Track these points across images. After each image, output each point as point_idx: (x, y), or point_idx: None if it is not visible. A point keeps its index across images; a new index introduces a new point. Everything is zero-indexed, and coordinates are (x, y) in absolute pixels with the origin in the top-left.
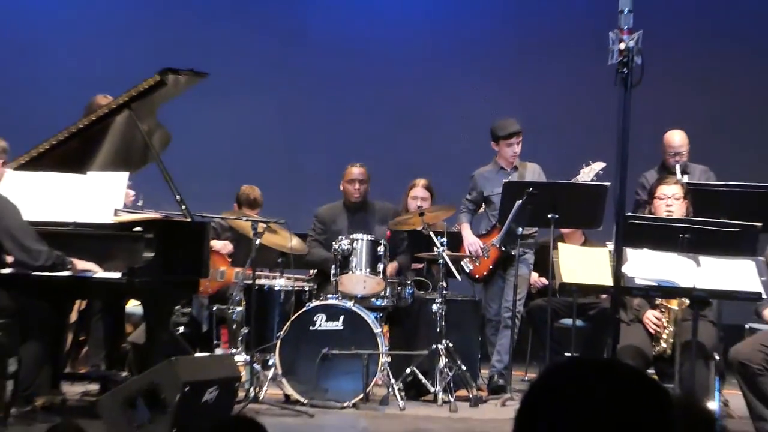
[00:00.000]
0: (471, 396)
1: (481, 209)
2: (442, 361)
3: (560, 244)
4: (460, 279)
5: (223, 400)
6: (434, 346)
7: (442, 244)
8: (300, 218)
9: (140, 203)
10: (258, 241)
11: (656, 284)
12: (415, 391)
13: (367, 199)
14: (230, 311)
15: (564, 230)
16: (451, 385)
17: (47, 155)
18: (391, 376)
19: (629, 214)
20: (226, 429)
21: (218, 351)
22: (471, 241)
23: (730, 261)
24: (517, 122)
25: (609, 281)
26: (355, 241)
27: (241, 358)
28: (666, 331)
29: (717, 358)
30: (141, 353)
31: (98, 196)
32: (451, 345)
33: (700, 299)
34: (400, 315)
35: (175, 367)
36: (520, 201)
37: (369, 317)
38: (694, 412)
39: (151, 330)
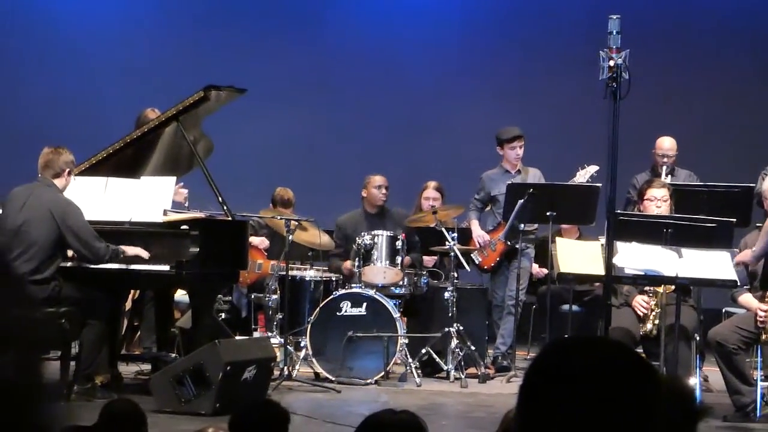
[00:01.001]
0: (479, 373)
1: (488, 208)
2: (454, 342)
3: (558, 239)
4: (469, 269)
5: (260, 378)
6: (446, 329)
7: (453, 238)
8: (327, 216)
9: (186, 204)
10: (291, 237)
11: (643, 273)
12: (430, 369)
13: (385, 206)
14: (266, 299)
15: (562, 226)
16: (462, 363)
17: (105, 162)
18: (408, 356)
19: (619, 211)
20: (255, 412)
21: (256, 334)
22: (479, 234)
23: (708, 253)
24: (519, 129)
25: (601, 271)
26: (376, 237)
27: (276, 340)
28: (653, 313)
29: (697, 338)
30: (188, 337)
31: (150, 198)
32: (461, 328)
33: (682, 286)
34: (417, 302)
35: (218, 349)
36: (522, 200)
37: (389, 304)
38: (675, 388)
39: (197, 316)
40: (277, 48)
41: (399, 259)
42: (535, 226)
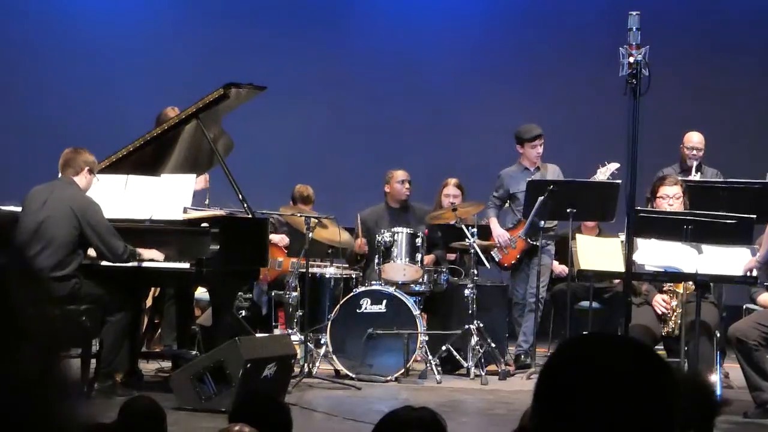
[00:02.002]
0: (500, 370)
1: (507, 205)
2: (474, 339)
3: (578, 236)
4: (489, 267)
5: (280, 375)
6: (467, 326)
7: (473, 235)
8: (347, 214)
9: (207, 201)
10: (310, 235)
11: (663, 270)
12: (450, 366)
13: (408, 201)
14: (287, 296)
15: (583, 223)
16: (482, 360)
17: (125, 160)
18: (428, 353)
19: (639, 208)
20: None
21: (276, 331)
22: (499, 233)
23: (728, 249)
24: (539, 127)
25: (621, 268)
26: (396, 234)
27: (296, 337)
28: (674, 314)
29: (718, 335)
30: (208, 334)
31: (170, 195)
32: (481, 325)
33: (703, 283)
34: (436, 299)
35: (238, 346)
36: (542, 197)
37: (409, 301)
38: (694, 383)
39: (217, 313)
40: (297, 46)
41: (419, 257)
42: (555, 223)
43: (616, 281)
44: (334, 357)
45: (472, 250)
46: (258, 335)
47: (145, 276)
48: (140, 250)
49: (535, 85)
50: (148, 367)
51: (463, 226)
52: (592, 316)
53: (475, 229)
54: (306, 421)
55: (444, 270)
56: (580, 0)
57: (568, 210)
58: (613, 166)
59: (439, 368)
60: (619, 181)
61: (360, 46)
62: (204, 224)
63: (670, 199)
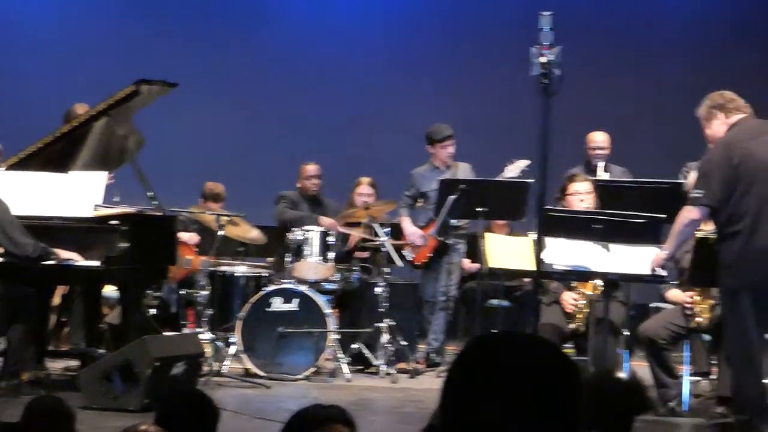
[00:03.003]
0: (410, 369)
1: (419, 204)
2: (385, 337)
3: (487, 234)
4: (402, 265)
5: (189, 374)
6: (377, 325)
7: (385, 233)
8: (259, 211)
9: (116, 199)
10: (221, 232)
11: (572, 269)
12: (360, 365)
13: (321, 195)
14: (196, 295)
15: (493, 221)
16: (393, 359)
17: (34, 157)
18: (339, 352)
19: (548, 207)
20: (178, 403)
21: (185, 330)
22: (412, 231)
23: (636, 248)
24: (449, 127)
25: (532, 266)
26: (308, 232)
27: (205, 336)
28: (582, 312)
29: (626, 333)
30: (116, 332)
31: (79, 193)
32: (392, 323)
33: (611, 282)
34: (348, 297)
35: (147, 345)
36: (453, 196)
37: (320, 299)
38: (626, 383)
39: (126, 311)
40: (210, 42)
41: (330, 255)
42: (467, 221)
43: (527, 280)
44: (243, 356)
45: (384, 249)
46: (166, 334)
47: (53, 274)
48: (57, 251)
49: (449, 84)
50: (55, 366)
51: (375, 225)
52: (502, 314)
53: (388, 228)
54: None
55: (356, 268)
56: None
57: (479, 209)
58: (523, 163)
59: (350, 366)
60: (531, 180)
61: (273, 43)
62: (113, 222)
63: (581, 195)
